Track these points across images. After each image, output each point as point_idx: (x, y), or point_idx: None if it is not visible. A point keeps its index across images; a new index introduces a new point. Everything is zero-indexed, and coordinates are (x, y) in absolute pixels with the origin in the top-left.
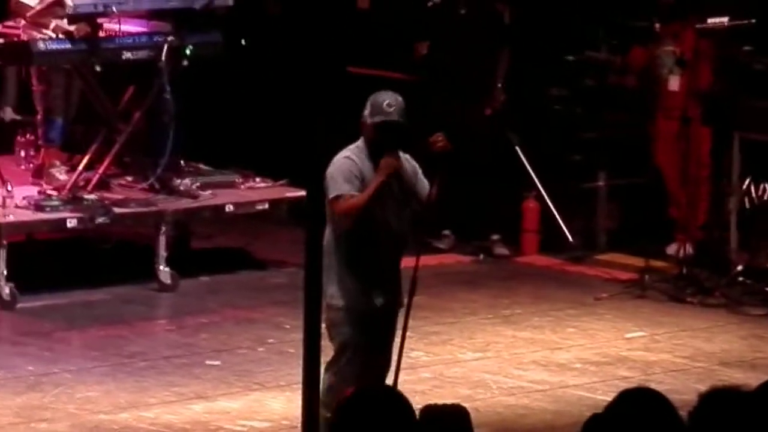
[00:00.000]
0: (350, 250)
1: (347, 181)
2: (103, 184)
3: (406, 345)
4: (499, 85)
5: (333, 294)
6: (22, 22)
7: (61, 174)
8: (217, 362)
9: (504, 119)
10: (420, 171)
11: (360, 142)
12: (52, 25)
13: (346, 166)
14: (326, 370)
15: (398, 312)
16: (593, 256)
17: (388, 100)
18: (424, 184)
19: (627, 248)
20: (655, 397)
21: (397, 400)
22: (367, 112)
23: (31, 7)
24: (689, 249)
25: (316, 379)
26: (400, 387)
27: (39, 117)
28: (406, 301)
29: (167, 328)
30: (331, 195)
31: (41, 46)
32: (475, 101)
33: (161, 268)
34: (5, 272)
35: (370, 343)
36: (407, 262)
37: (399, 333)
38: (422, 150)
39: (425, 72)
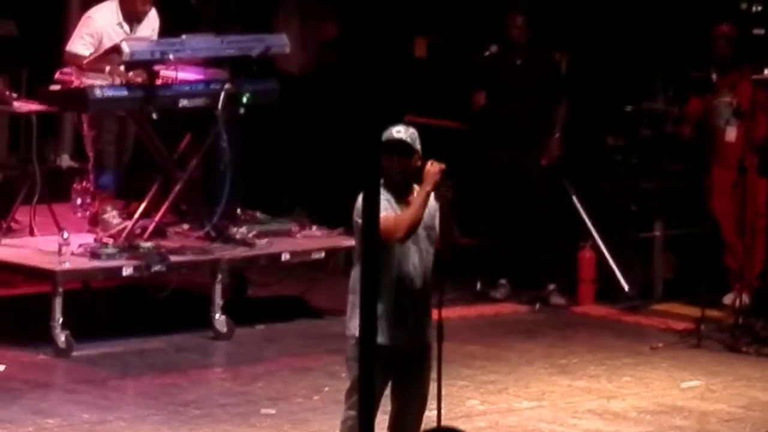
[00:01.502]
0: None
1: (384, 207)
2: (159, 232)
3: (461, 394)
4: (557, 136)
5: (354, 327)
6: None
7: (114, 219)
8: (272, 411)
9: (561, 169)
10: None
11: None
12: (107, 70)
13: None
14: (344, 401)
15: (424, 354)
16: (649, 305)
17: (397, 127)
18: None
19: (683, 298)
20: None
21: None
22: None
23: (86, 59)
24: (745, 299)
25: (371, 428)
26: None
27: (90, 163)
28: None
29: (222, 377)
30: None
31: (97, 93)
32: (532, 151)
33: (217, 316)
34: (61, 320)
35: (387, 378)
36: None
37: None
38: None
39: (482, 122)
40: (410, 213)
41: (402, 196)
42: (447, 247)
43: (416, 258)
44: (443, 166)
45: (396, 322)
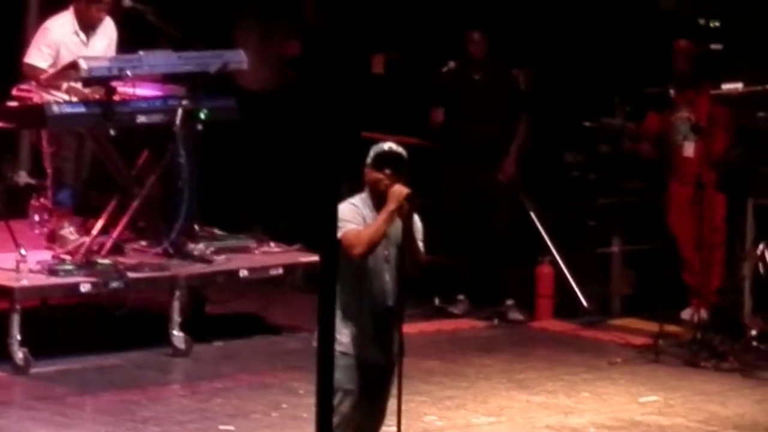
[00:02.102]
0: (348, 300)
1: (353, 220)
2: (117, 249)
3: (419, 409)
4: (512, 154)
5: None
6: (35, 84)
7: (71, 235)
8: (230, 427)
9: (519, 185)
10: (421, 234)
11: (364, 194)
12: (65, 86)
13: (349, 209)
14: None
15: (392, 370)
16: (608, 321)
17: (391, 144)
18: (420, 246)
19: (641, 313)
20: None
21: None
22: (368, 157)
23: (44, 70)
24: (703, 314)
25: None
26: None
27: (48, 180)
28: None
29: (181, 393)
30: (339, 234)
31: (55, 109)
32: (490, 168)
33: (175, 333)
34: (19, 337)
35: (359, 393)
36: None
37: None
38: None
39: (440, 138)
40: (371, 230)
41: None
42: (413, 264)
43: (389, 276)
44: (409, 191)
45: (373, 339)
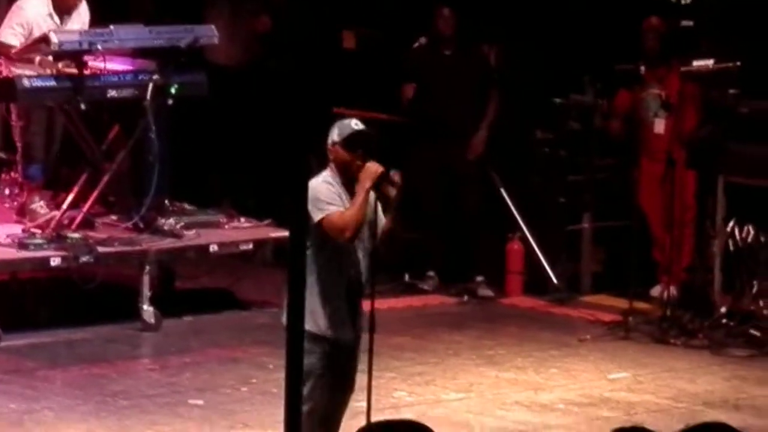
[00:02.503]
0: (321, 280)
1: (331, 201)
2: (87, 223)
3: (389, 385)
4: (482, 131)
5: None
6: (5, 57)
7: (42, 209)
8: (200, 401)
9: (489, 162)
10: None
11: (328, 172)
12: (37, 59)
13: (325, 188)
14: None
15: (359, 345)
16: (577, 297)
17: (355, 120)
18: (382, 218)
19: (611, 290)
20: None
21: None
22: (335, 134)
23: (14, 47)
24: (673, 291)
25: (299, 419)
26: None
27: (18, 153)
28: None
29: (150, 368)
30: (319, 217)
31: (26, 83)
32: (460, 144)
33: (145, 307)
34: None
35: (334, 372)
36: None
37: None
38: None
39: (411, 114)
40: (355, 213)
41: (352, 192)
42: (389, 241)
43: (360, 254)
44: (382, 168)
45: (341, 316)
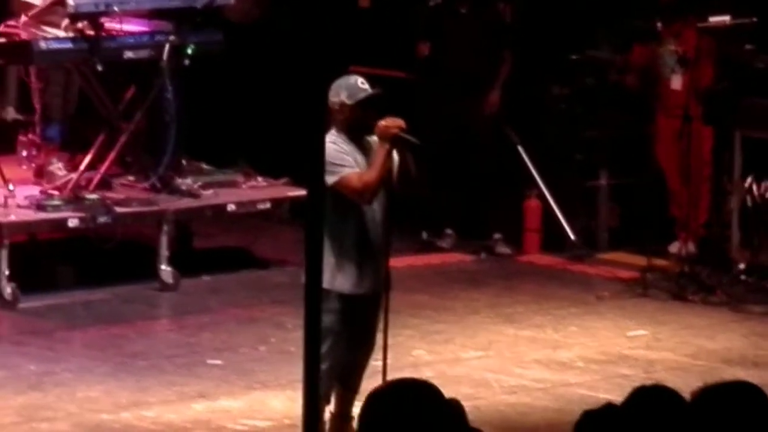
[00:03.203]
0: (338, 236)
1: (344, 162)
2: (104, 184)
3: (408, 344)
4: (496, 89)
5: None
6: (23, 20)
7: (59, 171)
8: (218, 361)
9: (505, 119)
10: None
11: (334, 131)
12: (64, 24)
13: (334, 149)
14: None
15: (379, 302)
16: (595, 254)
17: (359, 78)
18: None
19: (629, 247)
20: (671, 395)
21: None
22: (343, 95)
23: (35, 5)
24: (691, 247)
25: (317, 378)
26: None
27: (37, 115)
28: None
29: (168, 328)
30: (335, 179)
31: (42, 45)
32: (475, 102)
33: (163, 267)
34: (7, 272)
35: (352, 329)
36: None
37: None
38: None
39: (426, 71)
40: (375, 174)
41: (360, 148)
42: (408, 187)
43: (376, 207)
44: (401, 124)
45: (358, 271)
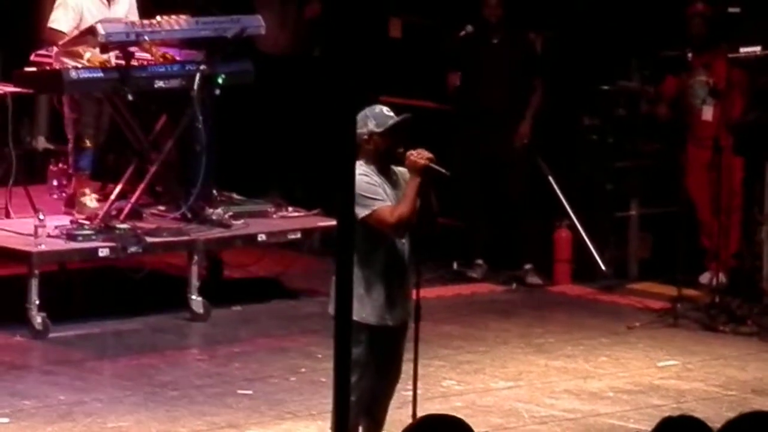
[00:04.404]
0: (366, 267)
1: (374, 195)
2: (135, 214)
3: (438, 374)
4: (527, 120)
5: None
6: (55, 50)
7: (91, 202)
8: (249, 391)
9: (536, 149)
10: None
11: (362, 162)
12: (86, 57)
13: (366, 182)
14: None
15: (405, 333)
16: (626, 285)
17: (384, 107)
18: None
19: (659, 277)
20: (699, 426)
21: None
22: (371, 125)
23: (65, 34)
24: (722, 278)
25: (347, 408)
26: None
27: (70, 145)
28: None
29: (199, 358)
30: (367, 212)
31: (73, 74)
32: (507, 132)
33: (193, 297)
34: (37, 302)
35: (380, 360)
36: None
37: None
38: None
39: (458, 102)
40: (407, 207)
41: (389, 180)
42: (430, 222)
43: (405, 238)
44: (430, 155)
45: (386, 302)
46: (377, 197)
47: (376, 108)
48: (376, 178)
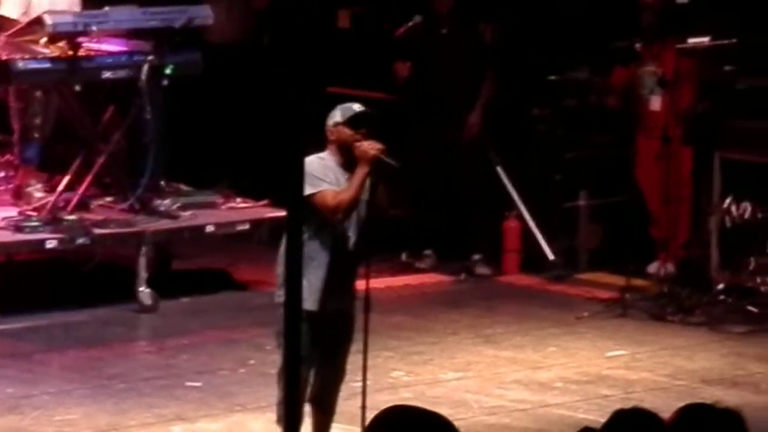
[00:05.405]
0: (311, 251)
1: (323, 177)
2: (83, 205)
3: (387, 365)
4: (477, 111)
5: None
6: (1, 40)
7: (37, 192)
8: (197, 384)
9: (486, 140)
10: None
11: (327, 153)
12: (42, 43)
13: (317, 163)
14: (277, 381)
15: (348, 323)
16: (574, 275)
17: (357, 104)
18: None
19: (608, 267)
20: (651, 418)
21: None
22: (338, 116)
23: (17, 21)
24: (670, 268)
25: (297, 399)
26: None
27: (16, 136)
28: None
29: (147, 350)
30: (312, 191)
31: (20, 65)
32: (456, 123)
33: (141, 289)
34: None
35: (322, 350)
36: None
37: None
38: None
39: (406, 92)
40: (350, 194)
41: (348, 173)
42: (378, 217)
43: (350, 231)
44: (381, 146)
45: (324, 288)
46: (325, 179)
47: (347, 104)
48: (332, 164)
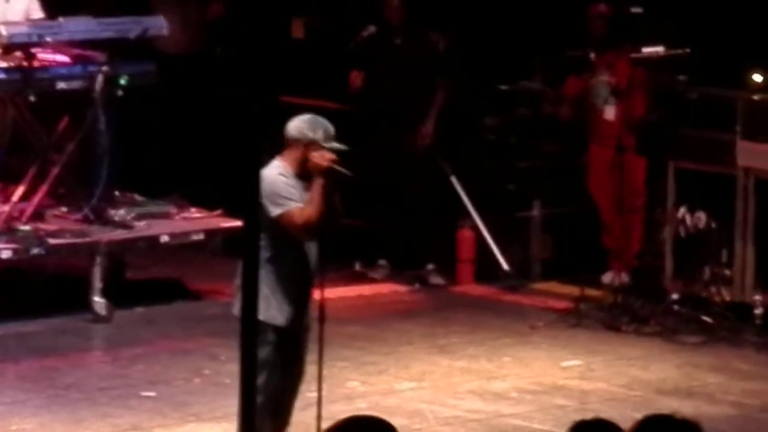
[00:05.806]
0: (274, 267)
1: (290, 196)
2: (37, 215)
3: (341, 375)
4: (430, 120)
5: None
6: None
7: None
8: (152, 393)
9: (439, 149)
10: None
11: (281, 162)
12: None
13: (283, 182)
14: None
15: (306, 334)
16: (528, 285)
17: (328, 123)
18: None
19: (562, 277)
20: (611, 429)
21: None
22: (320, 135)
23: None
24: (624, 277)
25: (253, 410)
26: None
27: None
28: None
29: (102, 360)
30: (279, 211)
31: None
32: (410, 132)
33: (96, 299)
34: None
35: (284, 362)
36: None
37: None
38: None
39: (360, 102)
40: (314, 210)
41: (304, 184)
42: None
43: (310, 243)
44: (333, 157)
45: (291, 303)
46: (292, 198)
47: (324, 120)
48: (293, 181)
